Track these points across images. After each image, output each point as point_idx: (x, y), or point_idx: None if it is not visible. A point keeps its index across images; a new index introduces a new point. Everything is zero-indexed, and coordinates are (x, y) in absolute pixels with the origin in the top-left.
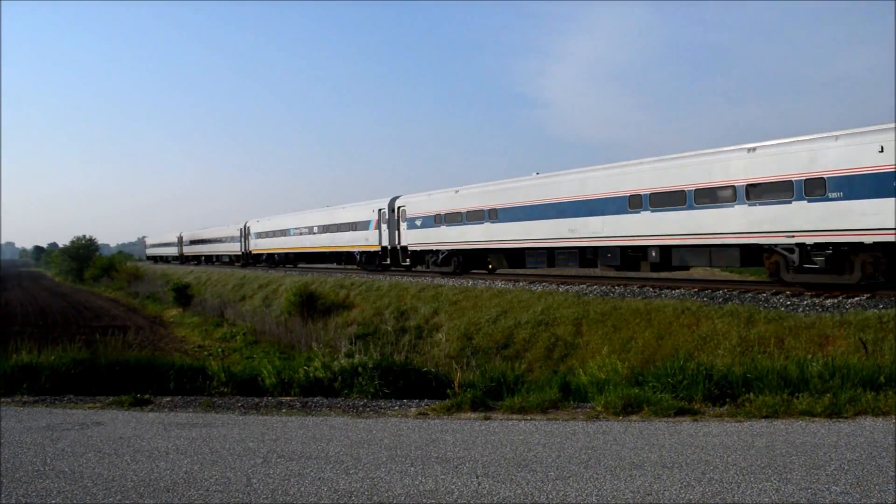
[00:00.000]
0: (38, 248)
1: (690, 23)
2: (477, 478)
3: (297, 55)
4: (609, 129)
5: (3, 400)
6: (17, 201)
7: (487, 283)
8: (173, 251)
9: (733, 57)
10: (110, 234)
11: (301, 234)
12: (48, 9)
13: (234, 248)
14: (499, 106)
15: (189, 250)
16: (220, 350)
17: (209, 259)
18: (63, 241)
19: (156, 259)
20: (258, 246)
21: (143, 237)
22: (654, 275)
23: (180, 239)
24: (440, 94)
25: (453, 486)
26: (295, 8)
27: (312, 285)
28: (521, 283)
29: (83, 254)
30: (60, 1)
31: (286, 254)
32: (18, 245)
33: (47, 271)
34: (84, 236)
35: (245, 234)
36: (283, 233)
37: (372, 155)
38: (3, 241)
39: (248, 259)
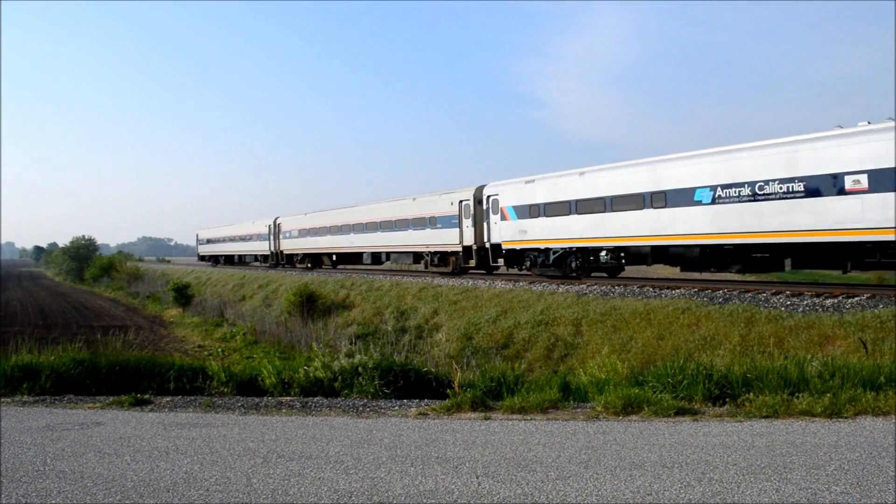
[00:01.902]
0: (38, 248)
1: (690, 23)
2: (477, 478)
3: (296, 55)
4: (609, 129)
5: (3, 400)
6: (17, 201)
7: (487, 283)
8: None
9: (733, 57)
10: (110, 234)
11: (347, 232)
12: (50, 4)
13: (262, 247)
14: (498, 106)
15: (205, 250)
16: (220, 350)
17: (230, 259)
18: (63, 241)
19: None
20: (291, 245)
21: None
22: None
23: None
24: (440, 94)
25: (453, 486)
26: (290, 7)
27: (312, 285)
28: (521, 283)
29: (83, 254)
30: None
31: (328, 254)
32: (18, 245)
33: (47, 271)
34: (84, 236)
35: (275, 231)
36: (325, 230)
37: (372, 155)
38: (3, 241)
39: (279, 259)
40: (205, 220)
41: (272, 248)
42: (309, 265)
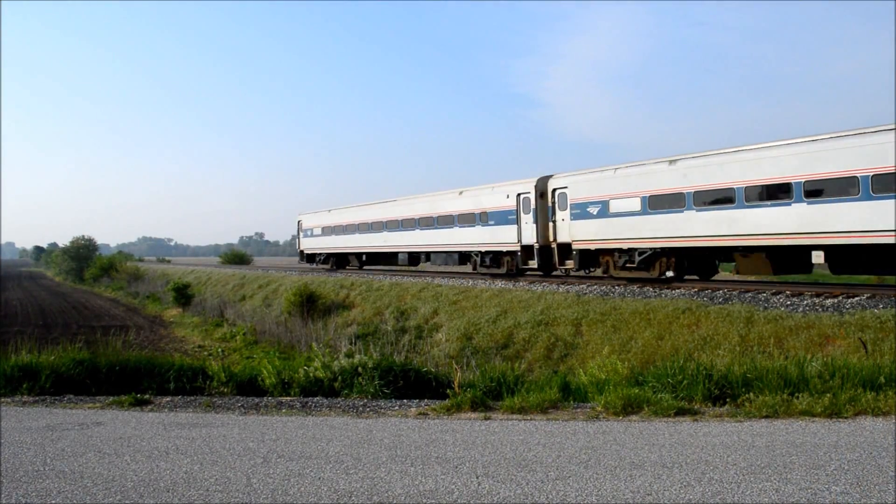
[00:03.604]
0: (38, 248)
1: (690, 23)
2: (477, 478)
3: (293, 54)
4: (609, 129)
5: (3, 400)
6: (17, 201)
7: (487, 283)
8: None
9: (733, 57)
10: (110, 235)
11: (379, 229)
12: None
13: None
14: (498, 106)
15: (316, 245)
16: (220, 350)
17: (375, 259)
18: (63, 241)
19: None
20: (315, 245)
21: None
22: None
23: None
24: (439, 93)
25: (453, 486)
26: (306, 7)
27: (312, 285)
28: (521, 283)
29: (83, 254)
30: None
31: (356, 253)
32: (18, 245)
33: (47, 271)
34: (84, 236)
35: (297, 231)
36: (353, 228)
37: (372, 156)
38: (3, 241)
39: (301, 259)
40: (205, 219)
41: (296, 248)
42: (333, 266)
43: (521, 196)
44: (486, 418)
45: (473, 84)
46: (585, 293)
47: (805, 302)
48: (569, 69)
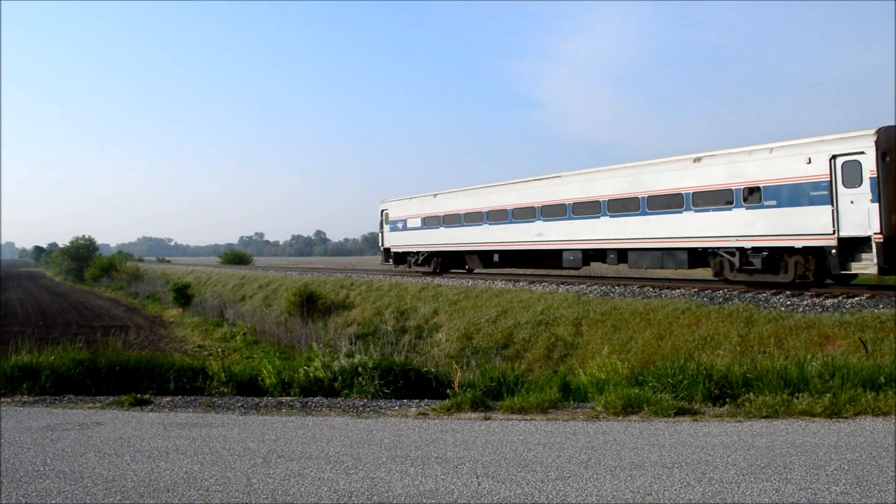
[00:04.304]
0: (38, 248)
1: (690, 23)
2: (477, 478)
3: (293, 52)
4: (608, 129)
5: (3, 400)
6: (17, 201)
7: (487, 282)
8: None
9: (733, 57)
10: (110, 235)
11: (529, 218)
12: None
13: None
14: (498, 106)
15: (409, 241)
16: (220, 350)
17: (509, 258)
18: (63, 241)
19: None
20: (409, 240)
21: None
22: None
23: None
24: (438, 93)
25: (453, 486)
26: (306, 7)
27: (312, 285)
28: (521, 283)
29: (83, 254)
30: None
31: (481, 251)
32: (18, 245)
33: (47, 271)
34: (84, 236)
35: (380, 223)
36: (476, 217)
37: (373, 156)
38: (3, 241)
39: (385, 259)
40: (205, 219)
41: (381, 244)
42: (436, 268)
43: (841, 160)
44: (486, 418)
45: (473, 84)
46: (585, 293)
47: (805, 302)
48: (569, 69)
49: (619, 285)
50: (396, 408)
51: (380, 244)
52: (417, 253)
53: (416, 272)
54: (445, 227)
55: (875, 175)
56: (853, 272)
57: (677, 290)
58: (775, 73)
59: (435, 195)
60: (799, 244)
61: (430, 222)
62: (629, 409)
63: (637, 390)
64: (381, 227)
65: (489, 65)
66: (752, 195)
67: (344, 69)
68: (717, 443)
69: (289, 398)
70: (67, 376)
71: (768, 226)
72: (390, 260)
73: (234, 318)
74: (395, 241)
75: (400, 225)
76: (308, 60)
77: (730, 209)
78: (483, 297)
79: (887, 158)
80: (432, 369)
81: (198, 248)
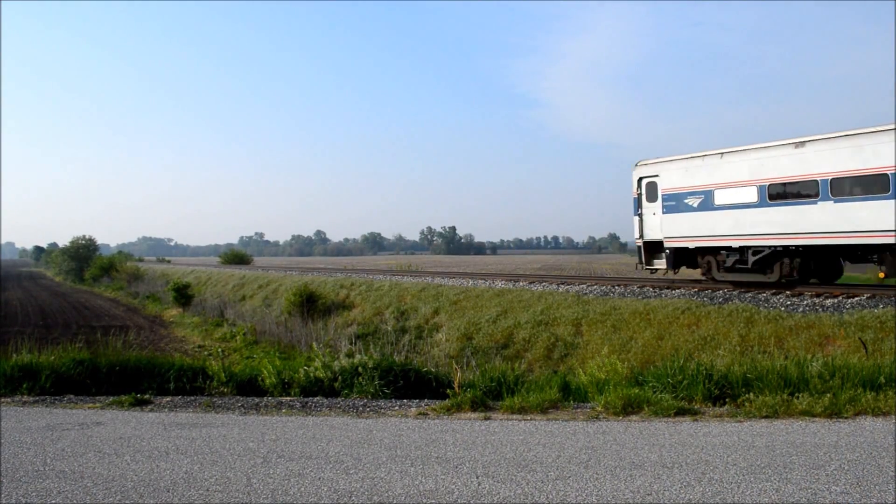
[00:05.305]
0: (38, 248)
1: (690, 23)
2: (477, 478)
3: (294, 53)
4: (608, 129)
5: (3, 400)
6: (17, 201)
7: (488, 282)
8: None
9: (733, 57)
10: (110, 235)
11: None
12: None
13: None
14: (498, 106)
15: (698, 226)
16: (220, 350)
17: None
18: (63, 241)
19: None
20: (704, 228)
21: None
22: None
23: None
24: (438, 93)
25: (453, 486)
26: (305, 7)
27: (312, 285)
28: (521, 283)
29: (83, 254)
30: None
31: None
32: (18, 245)
33: (47, 271)
34: (84, 236)
35: (637, 200)
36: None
37: (372, 156)
38: (3, 241)
39: (641, 259)
40: (205, 219)
41: (640, 234)
42: (783, 278)
43: None
44: (486, 418)
45: (473, 84)
46: (585, 293)
47: (805, 302)
48: (569, 69)
49: (618, 285)
50: (396, 408)
51: (636, 234)
52: (742, 249)
53: (725, 284)
54: (823, 202)
55: None
56: None
57: (677, 290)
58: (776, 72)
59: (801, 143)
60: None
61: (768, 196)
62: (629, 409)
63: (637, 390)
64: (639, 205)
65: (488, 65)
66: None
67: (343, 69)
68: (717, 443)
69: (289, 398)
70: (67, 376)
71: None
72: (655, 261)
73: (234, 318)
74: (673, 229)
75: (681, 202)
76: (307, 60)
77: None
78: (483, 296)
79: None
80: (432, 369)
81: (198, 248)
